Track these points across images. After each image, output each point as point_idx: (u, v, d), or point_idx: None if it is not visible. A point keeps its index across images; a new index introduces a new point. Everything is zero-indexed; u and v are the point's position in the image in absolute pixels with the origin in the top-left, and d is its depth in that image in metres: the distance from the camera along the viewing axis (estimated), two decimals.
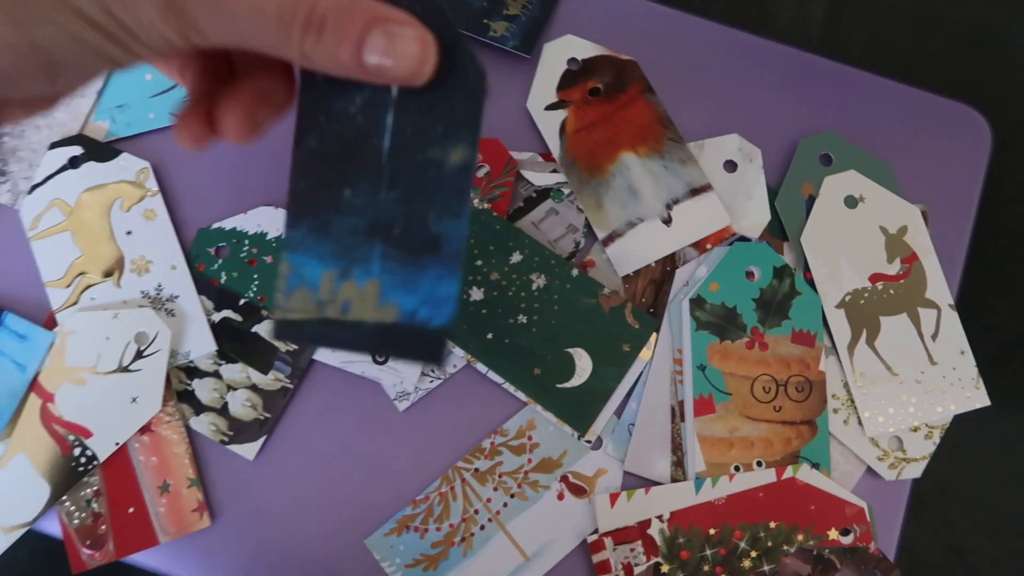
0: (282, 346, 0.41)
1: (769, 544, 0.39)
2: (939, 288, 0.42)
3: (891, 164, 0.44)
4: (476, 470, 0.40)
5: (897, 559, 0.40)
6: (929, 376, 0.41)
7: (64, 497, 0.40)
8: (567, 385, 0.41)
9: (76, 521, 0.40)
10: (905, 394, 0.41)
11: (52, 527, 0.40)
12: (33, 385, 0.40)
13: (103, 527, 0.40)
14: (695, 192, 0.43)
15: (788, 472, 0.39)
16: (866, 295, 0.42)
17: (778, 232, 0.44)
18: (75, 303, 0.41)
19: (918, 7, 0.50)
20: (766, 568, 0.38)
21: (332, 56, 0.24)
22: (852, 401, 0.41)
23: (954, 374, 0.41)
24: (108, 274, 0.42)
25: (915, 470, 0.41)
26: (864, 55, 0.47)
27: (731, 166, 0.44)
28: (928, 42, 0.50)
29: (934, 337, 0.42)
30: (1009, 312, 0.46)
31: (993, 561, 0.45)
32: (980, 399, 0.41)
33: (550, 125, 0.44)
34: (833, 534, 0.39)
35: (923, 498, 0.42)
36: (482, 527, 0.40)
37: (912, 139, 0.46)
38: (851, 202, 0.43)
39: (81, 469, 0.40)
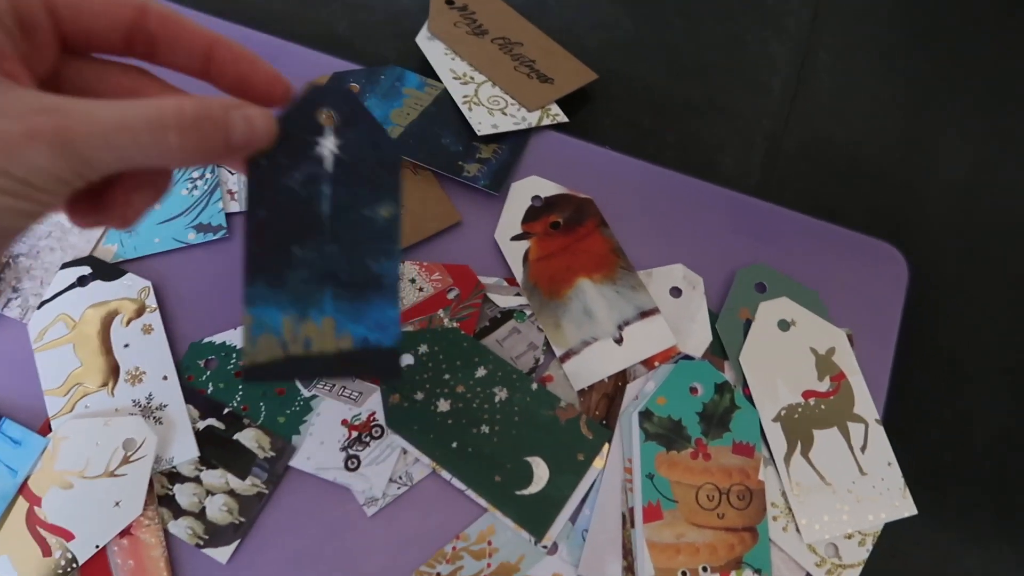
0: (261, 452, 0.44)
1: None
2: (866, 404, 0.46)
3: (819, 292, 0.49)
4: (438, 574, 0.43)
5: None
6: (860, 486, 0.44)
7: None
8: (525, 492, 0.44)
9: None
10: (839, 503, 0.44)
11: None
12: (22, 489, 0.43)
13: None
14: (644, 315, 0.48)
15: None
16: (800, 410, 0.46)
17: (719, 351, 0.48)
18: (70, 411, 0.44)
19: (845, 161, 0.58)
20: None
21: (204, 148, 0.27)
22: (790, 509, 0.44)
23: (883, 484, 0.45)
24: (104, 384, 0.45)
25: None
26: (796, 200, 0.54)
27: (676, 292, 0.49)
28: (853, 189, 0.57)
29: (863, 449, 0.45)
30: (932, 426, 0.50)
31: None
32: (908, 508, 0.44)
33: (515, 254, 0.50)
34: None
35: None
36: None
37: (838, 272, 0.51)
38: (784, 325, 0.48)
39: (61, 572, 0.42)
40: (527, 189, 0.51)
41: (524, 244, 0.50)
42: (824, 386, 0.47)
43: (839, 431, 0.46)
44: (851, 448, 0.45)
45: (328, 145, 0.33)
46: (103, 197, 0.29)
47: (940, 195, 0.58)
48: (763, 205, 0.53)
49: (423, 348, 0.46)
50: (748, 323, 0.48)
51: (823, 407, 0.46)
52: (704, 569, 0.42)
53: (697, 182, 0.53)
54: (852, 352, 0.47)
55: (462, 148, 0.52)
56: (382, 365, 0.34)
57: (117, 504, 0.42)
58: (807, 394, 0.46)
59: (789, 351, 0.47)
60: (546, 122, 0.53)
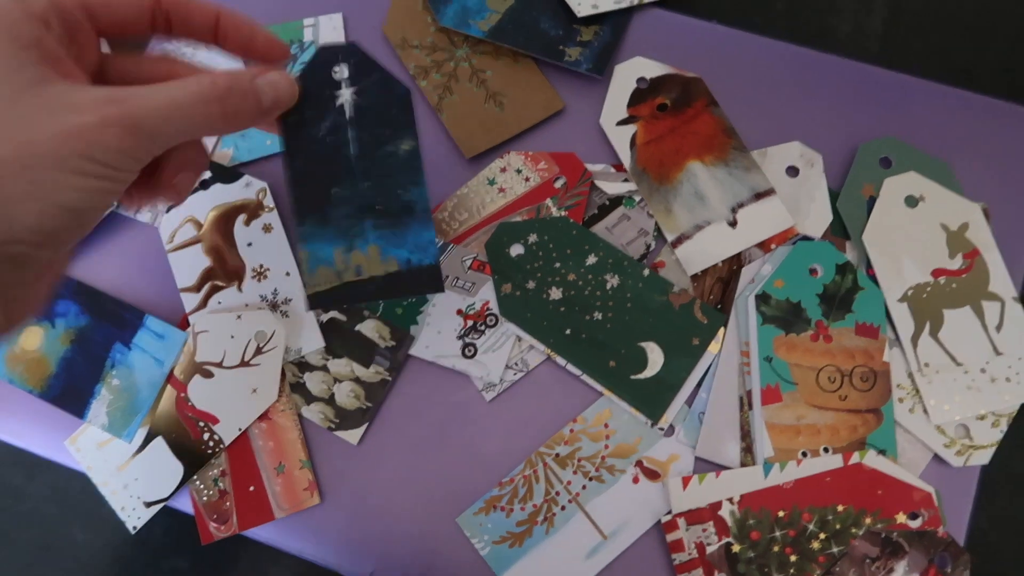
0: (382, 342, 0.46)
1: (837, 527, 0.41)
2: (1003, 282, 0.43)
3: (951, 165, 0.46)
4: (557, 455, 0.44)
5: (966, 544, 0.41)
6: (994, 366, 0.42)
7: (195, 477, 0.45)
8: (640, 376, 0.44)
9: (205, 498, 0.45)
10: (970, 383, 0.42)
11: (184, 504, 0.46)
12: (169, 378, 0.46)
13: (228, 503, 0.45)
14: (759, 196, 0.46)
15: (855, 458, 0.41)
16: (928, 289, 0.44)
17: (840, 232, 0.46)
18: (205, 306, 0.47)
19: (976, 14, 0.52)
20: (835, 550, 0.40)
21: (241, 113, 0.32)
22: (917, 390, 0.43)
23: (1020, 363, 0.42)
24: (232, 280, 0.48)
25: (983, 457, 0.42)
26: (924, 65, 0.49)
27: (793, 171, 0.47)
28: (985, 49, 0.51)
29: (998, 328, 0.43)
30: None
31: None
32: None
33: (621, 139, 0.48)
34: (901, 518, 0.40)
35: (995, 488, 0.42)
36: (563, 507, 0.43)
37: (972, 142, 0.47)
38: (911, 202, 0.45)
39: (209, 452, 0.45)
40: (632, 71, 0.49)
41: (631, 128, 0.48)
42: (956, 264, 0.44)
43: (972, 310, 0.43)
44: (985, 327, 0.43)
45: (346, 96, 0.37)
46: (153, 180, 0.34)
47: None
48: (885, 73, 0.49)
49: (532, 238, 0.46)
50: (872, 200, 0.45)
51: (954, 286, 0.44)
52: (825, 450, 0.42)
53: (812, 52, 0.50)
54: (988, 227, 0.44)
55: (562, 32, 0.50)
56: (427, 281, 0.38)
57: (254, 391, 0.45)
58: (937, 272, 0.44)
59: (917, 228, 0.44)
60: None
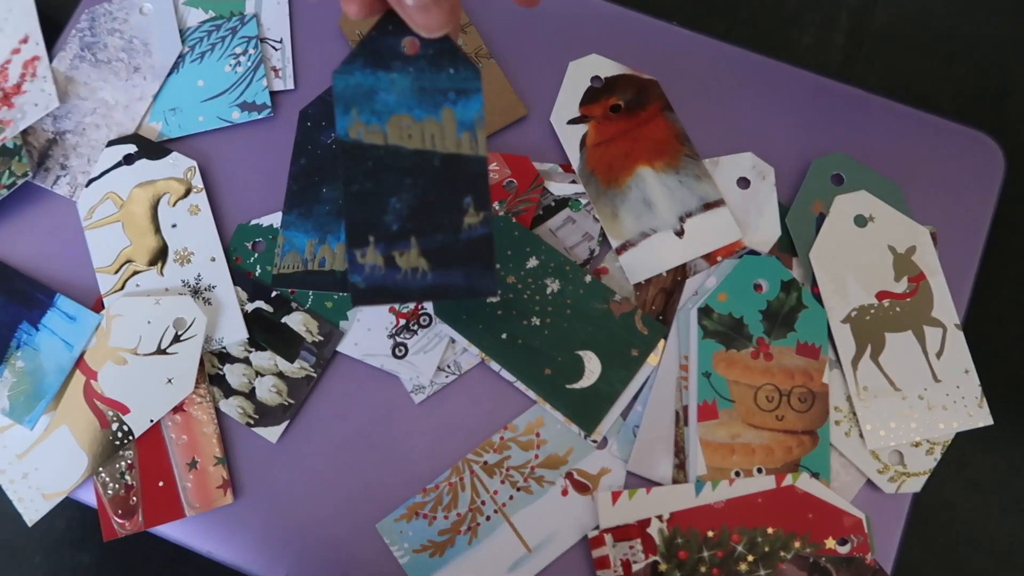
0: (309, 337, 0.44)
1: (766, 549, 0.40)
2: (946, 308, 0.43)
3: (902, 187, 0.45)
4: (485, 463, 0.42)
5: (894, 572, 0.40)
6: (932, 393, 0.42)
7: (100, 469, 0.43)
8: (576, 386, 0.42)
9: (110, 492, 0.43)
10: (908, 409, 0.42)
11: (88, 496, 0.43)
12: (79, 363, 0.43)
13: (134, 498, 0.43)
14: (708, 206, 0.45)
15: (788, 480, 0.40)
16: (872, 311, 0.43)
17: (788, 247, 0.45)
18: (121, 289, 0.45)
19: (941, 40, 0.52)
20: (762, 572, 0.39)
21: None
22: (854, 414, 0.42)
23: (957, 392, 0.42)
24: (153, 263, 0.45)
25: (915, 484, 0.41)
26: (882, 83, 0.49)
27: (744, 183, 0.46)
28: (945, 71, 0.51)
29: (939, 355, 0.42)
30: (1018, 334, 0.47)
31: None
32: (983, 418, 0.41)
33: (572, 138, 0.47)
34: (830, 543, 0.40)
35: (926, 516, 0.42)
36: (488, 517, 0.42)
37: (924, 163, 0.47)
38: (861, 221, 0.44)
39: (118, 443, 0.43)
40: (586, 68, 0.48)
41: (582, 128, 0.47)
42: (901, 287, 0.43)
43: (914, 335, 0.43)
44: (926, 353, 0.42)
45: None
46: None
47: None
48: (844, 88, 0.48)
49: None
50: (822, 218, 0.45)
51: (898, 309, 0.43)
52: (759, 470, 0.41)
53: (772, 62, 0.49)
54: (935, 251, 0.44)
55: None
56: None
57: (170, 381, 0.43)
58: (882, 295, 0.43)
59: (865, 249, 0.44)
60: None
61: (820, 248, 0.44)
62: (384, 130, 0.33)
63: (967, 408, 0.42)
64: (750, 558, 0.39)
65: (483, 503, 0.42)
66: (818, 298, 0.43)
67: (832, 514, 0.40)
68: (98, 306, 0.44)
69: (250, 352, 0.44)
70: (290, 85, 0.48)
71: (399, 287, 0.33)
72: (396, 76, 0.33)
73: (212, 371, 0.44)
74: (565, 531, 0.41)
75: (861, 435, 0.42)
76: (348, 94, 0.33)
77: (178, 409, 0.43)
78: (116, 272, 0.45)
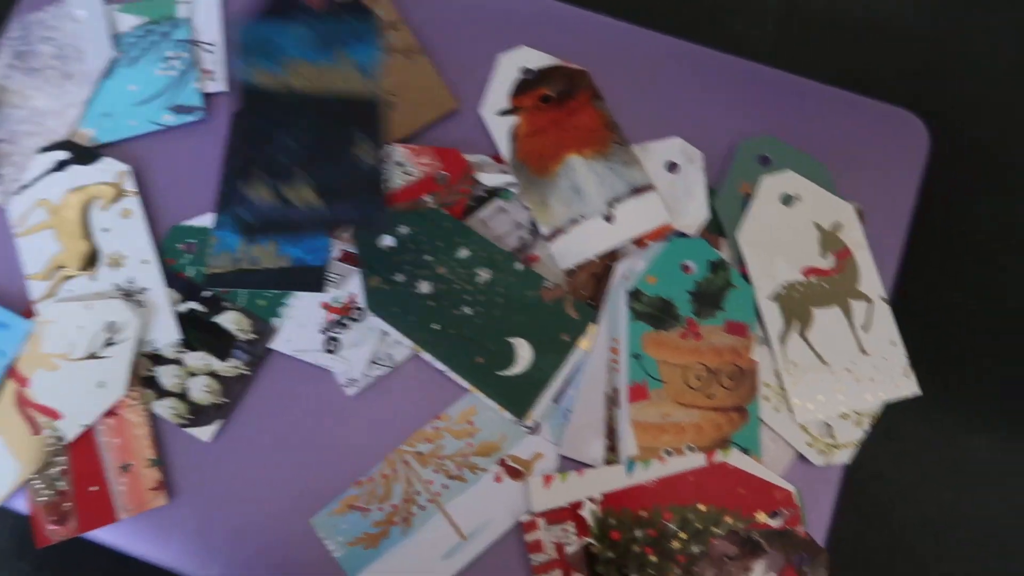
0: (241, 335, 0.44)
1: (698, 526, 0.40)
2: (872, 282, 0.43)
3: (829, 167, 0.46)
4: (418, 453, 0.42)
5: (827, 543, 0.40)
6: (860, 365, 0.42)
7: (33, 476, 0.42)
8: (507, 373, 0.42)
9: (43, 498, 0.42)
10: (835, 382, 0.42)
11: (21, 505, 0.43)
12: (10, 371, 0.43)
13: (67, 504, 0.42)
14: (637, 191, 0.45)
15: (718, 456, 0.40)
16: (799, 288, 0.43)
17: (717, 229, 0.45)
18: (53, 295, 0.44)
19: (873, 25, 0.52)
20: (695, 550, 0.39)
21: None
22: (783, 389, 0.42)
23: (885, 364, 0.42)
24: (85, 268, 0.45)
25: (844, 456, 0.41)
26: (814, 69, 0.49)
27: (673, 167, 0.46)
28: (879, 54, 0.52)
29: (865, 328, 0.43)
30: (947, 309, 0.47)
31: (935, 554, 0.45)
32: (910, 387, 0.42)
33: (502, 130, 0.47)
34: (761, 517, 0.40)
35: (859, 487, 0.42)
36: (422, 507, 0.41)
37: (851, 143, 0.47)
38: (787, 200, 0.45)
39: (50, 449, 0.42)
40: (516, 60, 0.48)
41: (512, 119, 0.47)
42: (827, 263, 0.44)
43: (840, 309, 0.43)
44: (852, 327, 0.43)
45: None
46: None
47: (982, 69, 0.52)
48: (773, 73, 0.49)
49: (404, 230, 0.44)
50: (749, 199, 0.45)
51: (825, 285, 0.43)
52: (690, 448, 0.41)
53: (702, 49, 0.49)
54: (860, 227, 0.44)
55: None
56: (311, 280, 0.43)
57: (102, 385, 0.43)
58: (808, 271, 0.43)
59: (791, 227, 0.44)
60: None
61: (747, 228, 0.44)
62: (283, 75, 0.36)
63: (894, 379, 0.42)
64: (683, 535, 0.39)
65: (417, 493, 0.42)
66: (746, 277, 0.43)
67: (762, 488, 0.40)
68: (29, 313, 0.44)
69: (183, 353, 0.44)
70: (223, 87, 0.48)
71: (289, 220, 0.36)
72: (299, 27, 0.36)
73: (145, 373, 0.44)
74: (499, 517, 0.41)
75: (790, 409, 0.42)
76: (253, 45, 0.36)
77: (111, 413, 0.43)
78: (48, 278, 0.45)
